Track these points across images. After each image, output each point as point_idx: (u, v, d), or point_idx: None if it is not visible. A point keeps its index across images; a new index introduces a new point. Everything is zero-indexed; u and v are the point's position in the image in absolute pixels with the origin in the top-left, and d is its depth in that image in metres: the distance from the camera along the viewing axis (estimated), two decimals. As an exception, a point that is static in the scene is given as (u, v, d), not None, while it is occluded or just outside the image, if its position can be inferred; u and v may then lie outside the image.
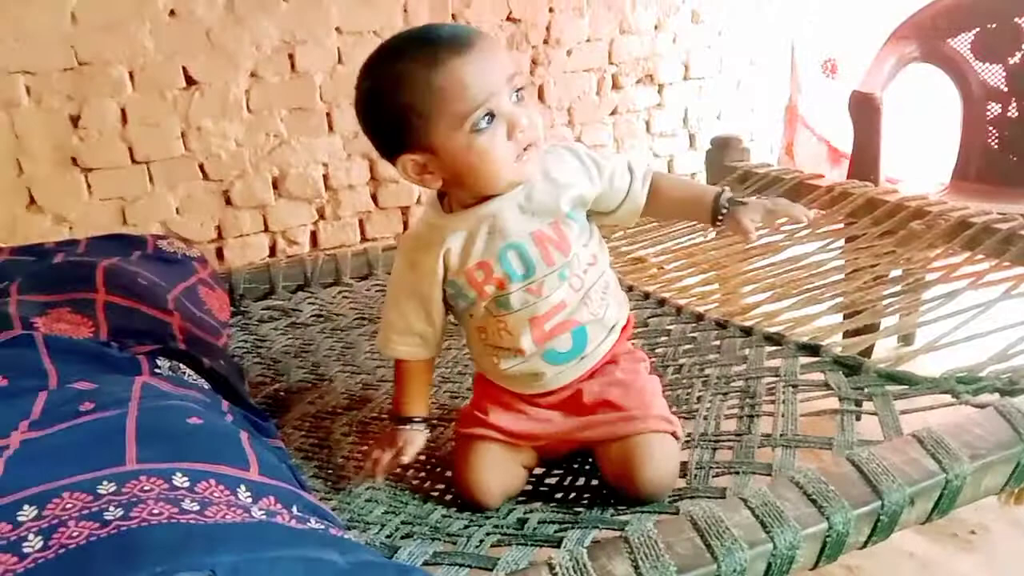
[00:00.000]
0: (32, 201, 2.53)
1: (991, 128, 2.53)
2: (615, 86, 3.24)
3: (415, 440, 1.11)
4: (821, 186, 1.97)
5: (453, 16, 2.89)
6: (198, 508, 0.73)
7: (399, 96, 0.92)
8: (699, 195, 1.11)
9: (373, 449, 1.12)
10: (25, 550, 0.67)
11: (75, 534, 0.68)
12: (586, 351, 1.07)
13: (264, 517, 0.76)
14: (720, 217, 1.07)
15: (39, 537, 0.68)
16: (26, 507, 0.72)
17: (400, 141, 0.96)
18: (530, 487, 1.12)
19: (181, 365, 1.19)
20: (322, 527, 0.80)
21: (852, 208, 1.86)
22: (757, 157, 2.32)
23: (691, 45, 3.34)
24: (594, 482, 1.11)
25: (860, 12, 3.25)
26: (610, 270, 1.11)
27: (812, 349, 1.35)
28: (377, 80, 0.95)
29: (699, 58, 3.38)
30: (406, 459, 1.10)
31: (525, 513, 1.03)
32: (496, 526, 1.00)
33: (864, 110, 2.25)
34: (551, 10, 3.04)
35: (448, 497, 1.11)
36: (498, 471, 1.06)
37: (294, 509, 0.82)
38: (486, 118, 0.93)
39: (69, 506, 0.72)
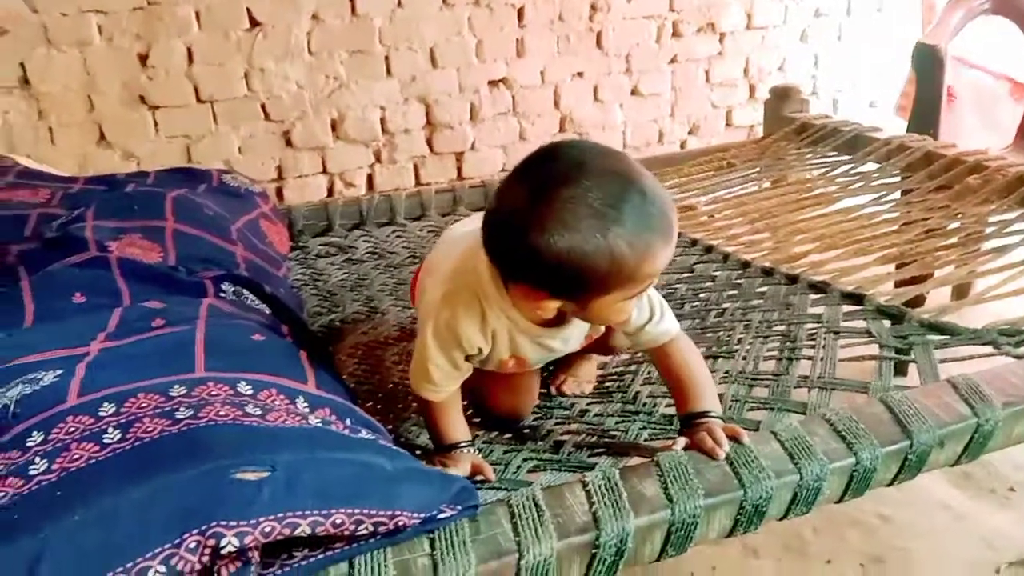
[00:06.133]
0: (102, 137, 2.63)
1: (1061, 85, 2.45)
2: (675, 34, 3.20)
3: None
4: (878, 138, 1.95)
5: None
6: (260, 413, 0.79)
7: (589, 265, 0.83)
8: (679, 397, 1.01)
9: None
10: (106, 441, 0.74)
11: (149, 429, 0.75)
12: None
13: (320, 425, 0.82)
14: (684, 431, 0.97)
15: (118, 431, 0.75)
16: (106, 404, 0.79)
17: (546, 286, 0.88)
18: (566, 412, 1.18)
19: (244, 291, 1.25)
20: (373, 438, 0.86)
21: (909, 161, 1.84)
22: (816, 108, 2.29)
23: (755, -7, 3.28)
24: (630, 407, 1.16)
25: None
26: None
27: (856, 298, 1.36)
28: (576, 240, 0.81)
29: (763, 7, 3.31)
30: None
31: (561, 435, 1.08)
32: (533, 451, 1.05)
33: (928, 62, 2.20)
34: (612, -46, 3.01)
35: (488, 423, 1.16)
36: (518, 383, 1.14)
37: (348, 421, 0.88)
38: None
39: (144, 405, 0.78)
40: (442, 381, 1.00)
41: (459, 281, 0.97)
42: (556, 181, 0.83)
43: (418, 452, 1.08)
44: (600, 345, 1.15)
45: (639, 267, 0.85)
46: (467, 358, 1.01)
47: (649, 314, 0.99)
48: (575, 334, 1.04)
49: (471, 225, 0.93)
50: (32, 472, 0.71)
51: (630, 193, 0.83)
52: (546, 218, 0.82)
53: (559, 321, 1.00)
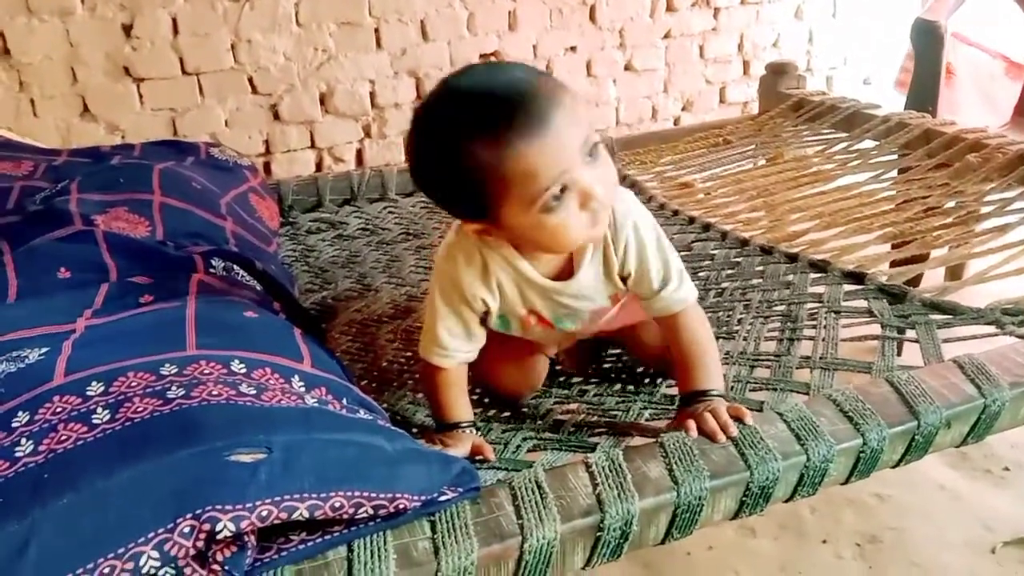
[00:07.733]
0: (86, 109, 2.58)
1: (1060, 62, 2.42)
2: (669, 8, 3.16)
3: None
4: (877, 115, 1.93)
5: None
6: (255, 392, 0.76)
7: (461, 174, 0.82)
8: (684, 372, 0.98)
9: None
10: (94, 421, 0.71)
11: (140, 409, 0.72)
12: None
13: (317, 405, 0.79)
14: (684, 408, 0.95)
15: (107, 411, 0.72)
16: (94, 383, 0.76)
17: (459, 210, 0.89)
18: (565, 391, 1.16)
19: (235, 266, 1.22)
20: (370, 418, 0.84)
21: (907, 139, 1.82)
22: (810, 85, 2.26)
23: (750, -32, 3.24)
24: (630, 386, 1.14)
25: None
26: None
27: (857, 277, 1.34)
28: (435, 148, 0.83)
29: (757, -18, 3.28)
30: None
31: (561, 415, 1.06)
32: (533, 429, 1.03)
33: (927, 38, 2.18)
34: (606, -73, 2.96)
35: (487, 401, 1.14)
36: (525, 362, 1.12)
37: (344, 401, 0.86)
38: (558, 195, 0.82)
39: (134, 384, 0.76)
40: (451, 344, 0.98)
41: (460, 232, 0.95)
42: (418, 115, 0.86)
43: (415, 430, 1.06)
44: (633, 344, 1.14)
45: (502, 166, 0.80)
46: (482, 321, 0.99)
47: (664, 280, 0.96)
48: (591, 289, 0.98)
49: None
50: (18, 454, 0.68)
51: (459, 92, 0.83)
52: (415, 150, 0.86)
53: (567, 274, 0.97)
